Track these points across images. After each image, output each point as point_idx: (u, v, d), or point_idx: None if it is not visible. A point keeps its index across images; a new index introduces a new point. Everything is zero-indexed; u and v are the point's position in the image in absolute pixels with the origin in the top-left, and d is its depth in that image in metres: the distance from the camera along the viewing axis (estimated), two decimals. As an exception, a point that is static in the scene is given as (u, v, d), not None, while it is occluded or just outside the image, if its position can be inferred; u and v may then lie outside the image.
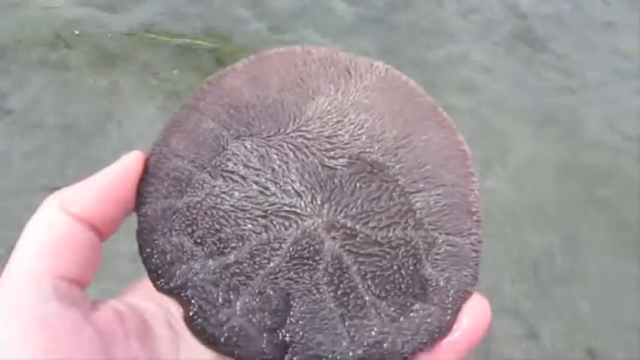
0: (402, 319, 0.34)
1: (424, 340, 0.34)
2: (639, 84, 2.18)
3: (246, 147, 0.35)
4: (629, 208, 1.67)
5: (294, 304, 0.34)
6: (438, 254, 0.35)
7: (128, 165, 0.34)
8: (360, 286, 0.34)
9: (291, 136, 0.35)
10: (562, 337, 1.35)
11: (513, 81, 2.06)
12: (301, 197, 0.35)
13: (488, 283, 1.40)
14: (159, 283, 0.34)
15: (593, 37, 2.36)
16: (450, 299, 0.35)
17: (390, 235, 0.35)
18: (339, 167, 0.35)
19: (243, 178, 0.35)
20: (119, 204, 0.33)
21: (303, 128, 0.35)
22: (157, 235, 0.34)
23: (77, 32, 1.83)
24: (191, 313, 0.33)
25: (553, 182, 1.71)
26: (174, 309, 0.34)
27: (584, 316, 1.40)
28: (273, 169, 0.35)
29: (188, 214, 0.34)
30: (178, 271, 0.34)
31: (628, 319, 1.41)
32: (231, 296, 0.33)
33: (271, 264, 0.34)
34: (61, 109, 1.61)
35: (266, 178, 0.35)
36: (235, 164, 0.35)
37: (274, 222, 0.34)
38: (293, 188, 0.35)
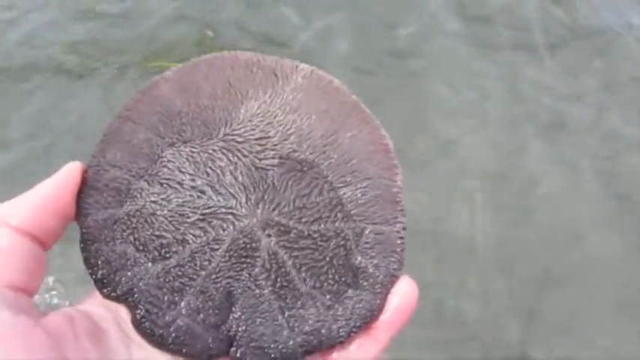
0: (336, 306, 0.37)
1: (358, 324, 0.37)
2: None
3: (180, 154, 0.37)
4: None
5: (236, 300, 0.36)
6: (366, 243, 0.38)
7: (66, 176, 0.35)
8: (296, 279, 0.37)
9: (223, 141, 0.37)
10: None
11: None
12: (236, 198, 0.37)
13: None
14: (105, 291, 0.35)
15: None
16: (379, 284, 0.37)
17: (322, 228, 0.37)
18: (270, 167, 0.37)
19: (180, 184, 0.36)
20: (58, 214, 0.34)
21: (235, 132, 0.37)
22: (100, 244, 0.35)
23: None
24: (138, 317, 0.35)
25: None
26: (125, 314, 0.36)
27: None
28: (208, 174, 0.37)
29: (129, 222, 0.36)
30: (124, 278, 0.35)
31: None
32: (176, 298, 0.35)
33: (211, 264, 0.36)
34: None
35: (201, 183, 0.36)
36: (171, 171, 0.36)
37: (212, 224, 0.36)
38: (228, 190, 0.37)
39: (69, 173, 0.35)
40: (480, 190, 1.27)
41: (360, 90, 0.41)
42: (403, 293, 0.37)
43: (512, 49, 1.54)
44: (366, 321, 0.37)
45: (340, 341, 0.37)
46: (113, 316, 0.36)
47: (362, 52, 1.50)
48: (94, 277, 0.35)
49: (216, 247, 0.36)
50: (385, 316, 0.37)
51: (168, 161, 0.36)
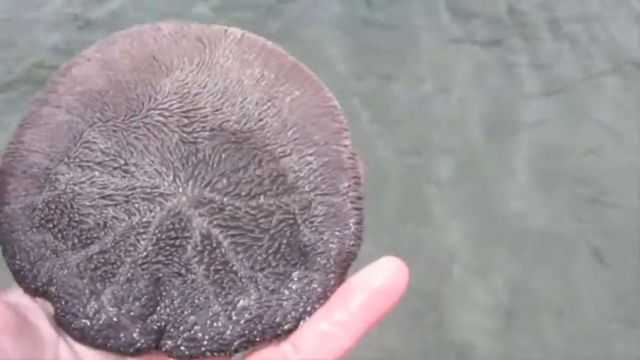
0: (282, 289, 0.33)
1: (307, 309, 0.32)
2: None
3: (102, 134, 0.34)
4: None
5: (165, 288, 0.32)
6: (314, 217, 0.33)
7: None
8: (233, 261, 0.33)
9: (148, 116, 0.34)
10: None
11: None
12: (163, 177, 0.33)
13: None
14: (25, 284, 0.32)
15: None
16: (332, 262, 0.33)
17: (262, 203, 0.33)
18: (201, 141, 0.34)
19: (101, 164, 0.33)
20: None
21: (160, 106, 0.34)
22: (18, 234, 0.33)
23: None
24: (59, 310, 0.32)
25: None
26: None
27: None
28: (132, 153, 0.33)
29: (47, 209, 0.33)
30: (42, 269, 0.32)
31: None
32: (99, 287, 0.32)
33: (138, 250, 0.32)
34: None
35: (125, 162, 0.33)
36: (92, 152, 0.33)
37: (137, 206, 0.33)
38: (154, 169, 0.33)
39: None
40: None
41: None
42: (388, 270, 0.31)
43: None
44: (318, 304, 0.32)
45: (287, 329, 0.32)
46: (44, 308, 0.33)
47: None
48: (12, 268, 0.33)
49: (143, 230, 0.33)
50: (362, 297, 0.31)
51: (89, 142, 0.34)
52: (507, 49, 1.45)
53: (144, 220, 0.33)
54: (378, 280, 0.31)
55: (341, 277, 0.33)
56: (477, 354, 0.98)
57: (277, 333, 0.32)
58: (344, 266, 0.33)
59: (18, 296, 0.32)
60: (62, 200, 0.33)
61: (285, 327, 0.32)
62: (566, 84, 1.37)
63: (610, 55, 1.43)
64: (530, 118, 1.32)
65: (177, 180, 0.33)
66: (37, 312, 0.32)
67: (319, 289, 0.33)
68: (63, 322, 0.32)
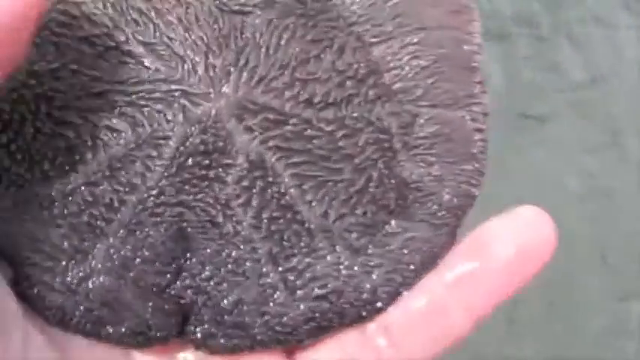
0: (370, 248, 0.21)
1: (407, 279, 0.21)
2: None
3: None
4: None
5: (191, 244, 0.21)
6: (420, 140, 0.22)
7: None
8: (298, 204, 0.21)
9: None
10: None
11: None
12: (188, 65, 0.21)
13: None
14: None
15: None
16: (444, 210, 0.22)
17: (342, 115, 0.21)
18: (249, 9, 0.21)
19: (90, 42, 0.20)
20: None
21: None
22: None
23: None
24: (22, 277, 0.20)
25: None
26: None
27: None
28: (137, 23, 0.21)
29: (3, 102, 0.20)
30: None
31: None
32: (86, 243, 0.20)
33: (147, 183, 0.20)
34: None
35: (126, 37, 0.20)
36: (72, 18, 0.20)
37: (145, 110, 0.20)
38: (173, 51, 0.21)
39: None
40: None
41: None
42: (532, 222, 0.21)
43: None
44: (423, 271, 0.22)
45: (377, 307, 0.21)
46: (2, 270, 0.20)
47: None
48: None
49: (155, 152, 0.20)
50: (493, 261, 0.21)
51: (67, 3, 0.20)
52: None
53: (157, 134, 0.20)
54: (519, 237, 0.21)
55: (454, 232, 0.22)
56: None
57: (362, 314, 0.21)
58: (459, 216, 0.22)
59: None
60: (23, 99, 0.20)
61: (376, 305, 0.21)
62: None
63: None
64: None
65: (212, 71, 0.21)
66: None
67: (424, 249, 0.22)
68: (30, 297, 0.20)
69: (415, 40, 0.22)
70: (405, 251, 0.22)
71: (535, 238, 0.21)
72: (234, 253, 0.21)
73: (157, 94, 0.20)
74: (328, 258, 0.21)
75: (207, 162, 0.20)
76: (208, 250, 0.21)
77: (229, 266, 0.21)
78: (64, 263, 0.20)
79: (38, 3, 0.17)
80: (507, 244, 0.21)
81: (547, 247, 0.20)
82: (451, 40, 0.22)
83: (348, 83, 0.21)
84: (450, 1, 0.22)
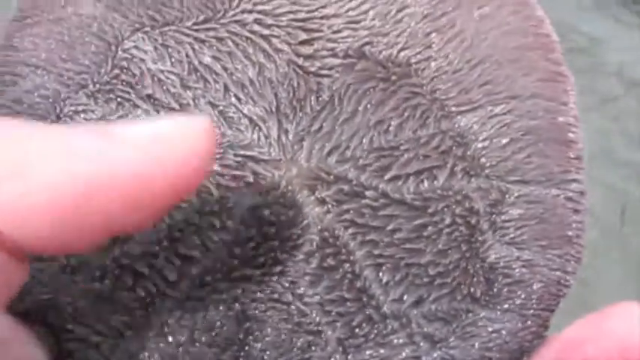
0: (451, 340, 0.19)
1: None
2: None
3: (156, 45, 0.19)
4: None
5: (253, 327, 0.19)
6: (510, 220, 0.20)
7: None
8: (373, 287, 0.19)
9: (239, 22, 0.20)
10: None
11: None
12: (259, 129, 0.19)
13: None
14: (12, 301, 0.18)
15: None
16: (535, 300, 0.19)
17: (424, 189, 0.19)
18: (326, 72, 0.20)
19: (152, 99, 0.19)
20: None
21: (260, 6, 0.20)
22: None
23: None
24: (64, 352, 0.18)
25: None
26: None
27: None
28: (206, 82, 0.19)
29: None
30: (41, 276, 0.18)
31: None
32: (137, 319, 0.18)
33: (208, 257, 0.19)
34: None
35: (194, 97, 0.19)
36: (136, 76, 0.19)
37: (211, 179, 0.19)
38: (243, 114, 0.19)
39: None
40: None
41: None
42: (636, 325, 0.18)
43: None
44: None
45: None
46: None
47: None
48: None
49: (219, 223, 0.19)
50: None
51: (133, 57, 0.19)
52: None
53: (221, 203, 0.19)
54: (620, 339, 0.18)
55: (545, 325, 0.20)
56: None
57: None
58: (551, 307, 0.20)
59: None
60: None
61: None
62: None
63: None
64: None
65: (284, 137, 0.19)
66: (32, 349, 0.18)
67: (511, 343, 0.19)
68: None
69: (505, 110, 0.20)
70: (491, 345, 0.19)
71: (636, 342, 0.18)
72: (301, 339, 0.18)
73: (224, 160, 0.19)
74: (404, 349, 0.19)
75: (274, 236, 0.19)
76: (272, 335, 0.18)
77: (295, 353, 0.18)
78: (111, 340, 0.18)
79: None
80: (606, 348, 0.18)
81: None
82: (544, 111, 0.20)
83: (431, 155, 0.19)
84: (544, 69, 0.20)
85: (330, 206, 0.19)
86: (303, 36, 0.20)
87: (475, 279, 0.19)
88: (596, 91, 0.68)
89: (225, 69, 0.19)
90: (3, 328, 0.16)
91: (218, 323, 0.18)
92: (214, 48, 0.19)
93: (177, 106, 0.19)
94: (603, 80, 0.69)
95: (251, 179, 0.19)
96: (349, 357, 0.19)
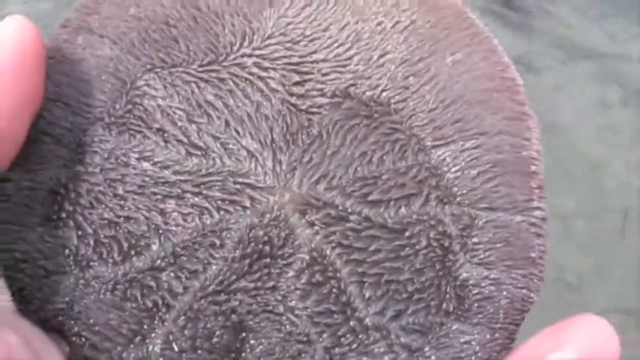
0: (426, 349, 0.21)
1: None
2: None
3: (165, 83, 0.22)
4: None
5: (249, 336, 0.21)
6: (479, 243, 0.22)
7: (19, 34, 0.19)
8: (356, 302, 0.21)
9: (239, 65, 0.22)
10: None
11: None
12: (256, 160, 0.21)
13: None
14: (29, 309, 0.20)
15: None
16: (502, 314, 0.22)
17: (403, 215, 0.22)
18: (316, 110, 0.22)
19: (161, 131, 0.21)
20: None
21: (258, 52, 0.22)
22: (22, 230, 0.21)
23: None
24: (78, 357, 0.20)
25: None
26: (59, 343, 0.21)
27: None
28: (209, 117, 0.22)
29: (72, 194, 0.21)
30: (59, 290, 0.20)
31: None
32: (145, 327, 0.20)
33: (210, 271, 0.21)
34: None
35: (198, 131, 0.22)
36: (148, 110, 0.22)
37: (212, 202, 0.21)
38: (242, 146, 0.22)
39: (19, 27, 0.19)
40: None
41: None
42: (596, 333, 0.20)
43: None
44: None
45: None
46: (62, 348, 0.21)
47: None
48: (11, 283, 0.21)
49: (218, 242, 0.21)
50: None
51: (145, 94, 0.22)
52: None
53: (221, 225, 0.21)
54: (580, 350, 0.20)
55: (511, 337, 0.22)
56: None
57: None
58: (517, 320, 0.22)
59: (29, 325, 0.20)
60: (96, 182, 0.21)
61: None
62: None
63: None
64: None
65: (278, 167, 0.21)
66: (54, 353, 0.20)
67: (481, 353, 0.21)
68: None
69: (475, 145, 0.22)
70: (462, 354, 0.21)
71: (597, 353, 0.20)
72: (292, 348, 0.21)
73: (224, 186, 0.21)
74: (385, 357, 0.21)
75: (268, 254, 0.21)
76: (265, 343, 0.21)
77: None
78: (121, 347, 0.20)
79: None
80: (567, 356, 0.20)
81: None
82: (510, 146, 0.22)
83: (409, 184, 0.22)
84: (510, 108, 0.23)
85: (318, 229, 0.21)
86: (296, 78, 0.22)
87: (448, 295, 0.21)
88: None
89: (226, 106, 0.22)
90: (33, 336, 0.18)
91: (217, 332, 0.20)
92: (217, 87, 0.22)
93: (183, 138, 0.21)
94: None
95: (248, 204, 0.21)
96: None
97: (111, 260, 0.21)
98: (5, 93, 0.19)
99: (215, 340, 0.20)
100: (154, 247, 0.21)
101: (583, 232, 0.77)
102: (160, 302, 0.20)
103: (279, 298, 0.21)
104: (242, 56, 0.22)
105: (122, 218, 0.21)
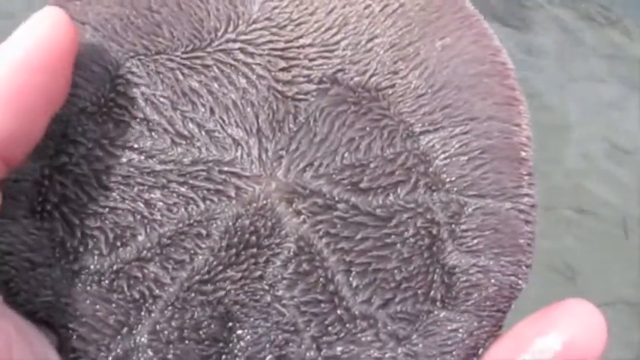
0: (413, 337, 0.21)
1: None
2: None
3: (149, 71, 0.21)
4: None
5: (236, 326, 0.21)
6: (467, 230, 0.22)
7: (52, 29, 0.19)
8: (344, 291, 0.21)
9: (224, 51, 0.22)
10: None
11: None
12: (242, 148, 0.21)
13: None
14: (17, 302, 0.20)
15: None
16: (489, 301, 0.22)
17: (390, 202, 0.21)
18: (303, 97, 0.22)
19: (146, 120, 0.21)
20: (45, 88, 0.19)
21: (242, 37, 0.22)
22: (7, 222, 0.21)
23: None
24: (67, 349, 0.20)
25: None
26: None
27: None
28: (194, 105, 0.21)
29: (57, 186, 0.21)
30: (45, 283, 0.20)
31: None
32: (131, 317, 0.20)
33: (196, 262, 0.21)
34: None
35: (183, 120, 0.21)
36: (131, 100, 0.21)
37: (198, 192, 0.21)
38: (227, 134, 0.21)
39: (56, 24, 0.19)
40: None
41: None
42: (582, 319, 0.20)
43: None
44: None
45: None
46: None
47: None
48: None
49: (205, 231, 0.21)
50: (551, 351, 0.20)
51: (128, 83, 0.21)
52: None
53: (207, 214, 0.21)
54: (566, 333, 0.20)
55: (498, 324, 0.22)
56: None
57: None
58: (504, 308, 0.22)
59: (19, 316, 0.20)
60: (80, 172, 0.21)
61: None
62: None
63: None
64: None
65: (264, 155, 0.21)
66: (45, 343, 0.20)
67: (468, 340, 0.21)
68: None
69: (464, 131, 0.22)
70: (449, 342, 0.21)
71: (584, 336, 0.20)
72: (279, 337, 0.21)
73: (210, 175, 0.21)
74: (372, 346, 0.21)
75: (255, 243, 0.21)
76: (252, 333, 0.21)
77: (273, 349, 0.21)
78: (109, 337, 0.20)
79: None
80: (553, 341, 0.20)
81: (596, 346, 0.20)
82: (500, 132, 0.22)
83: (397, 171, 0.22)
84: (500, 93, 0.22)
85: (305, 217, 0.21)
86: (282, 64, 0.22)
87: (436, 283, 0.21)
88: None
89: (211, 93, 0.21)
90: (27, 328, 0.18)
91: (205, 322, 0.20)
92: (202, 74, 0.21)
93: (168, 127, 0.21)
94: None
95: (233, 193, 0.21)
96: (322, 353, 0.21)
97: (97, 251, 0.20)
98: (35, 92, 0.18)
99: (202, 330, 0.20)
100: (140, 238, 0.20)
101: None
102: (147, 293, 0.20)
103: (266, 287, 0.21)
104: (227, 42, 0.22)
105: (107, 209, 0.21)
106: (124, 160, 0.21)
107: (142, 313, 0.20)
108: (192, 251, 0.21)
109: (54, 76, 0.19)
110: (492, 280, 0.22)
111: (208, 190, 0.21)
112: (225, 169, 0.21)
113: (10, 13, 1.02)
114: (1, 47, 0.18)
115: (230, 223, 0.21)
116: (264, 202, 0.21)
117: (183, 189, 0.21)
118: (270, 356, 0.21)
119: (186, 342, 0.20)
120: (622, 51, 1.21)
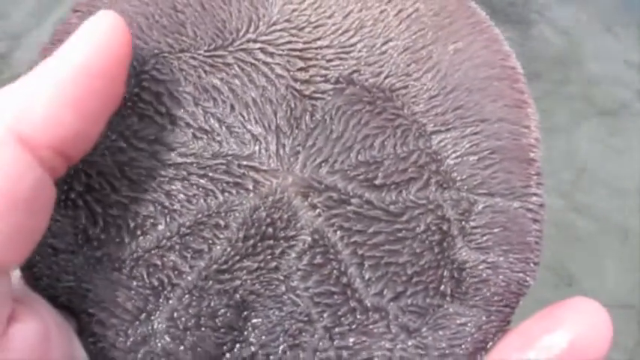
0: (423, 330, 0.22)
1: None
2: None
3: (172, 68, 0.22)
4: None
5: (251, 315, 0.21)
6: (477, 227, 0.22)
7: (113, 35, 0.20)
8: (356, 283, 0.22)
9: (245, 50, 0.22)
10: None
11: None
12: (260, 143, 0.22)
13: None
14: (39, 287, 0.21)
15: None
16: (498, 297, 0.22)
17: (403, 199, 0.22)
18: (319, 95, 0.23)
19: (169, 115, 0.22)
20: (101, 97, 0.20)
21: (263, 37, 0.23)
22: None
23: None
24: (87, 333, 0.21)
25: None
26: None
27: None
28: (215, 101, 0.22)
29: (82, 174, 0.21)
30: (67, 268, 0.21)
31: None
32: (150, 304, 0.21)
33: (214, 252, 0.21)
34: None
35: (204, 115, 0.22)
36: (155, 95, 0.22)
37: (217, 184, 0.22)
38: (246, 129, 0.22)
39: (112, 29, 0.20)
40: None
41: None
42: (588, 317, 0.21)
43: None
44: (474, 358, 0.22)
45: None
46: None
47: None
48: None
49: (223, 223, 0.21)
50: (558, 349, 0.20)
51: (153, 79, 0.22)
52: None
53: (226, 206, 0.21)
54: (573, 331, 0.20)
55: (506, 319, 0.22)
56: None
57: None
58: (513, 304, 0.22)
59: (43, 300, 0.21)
60: (104, 163, 0.21)
61: None
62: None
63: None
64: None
65: (282, 150, 0.22)
66: (65, 327, 0.21)
67: (477, 335, 0.22)
68: (92, 351, 0.21)
69: (475, 132, 0.23)
70: (458, 335, 0.22)
71: (590, 334, 0.20)
72: (293, 327, 0.21)
73: (229, 169, 0.22)
74: (383, 337, 0.21)
75: (271, 235, 0.21)
76: (267, 322, 0.21)
77: (287, 339, 0.21)
78: (127, 323, 0.21)
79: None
80: (559, 338, 0.21)
81: (601, 345, 0.20)
82: (509, 133, 0.23)
83: (410, 169, 0.22)
84: (510, 96, 0.23)
85: (320, 211, 0.22)
86: (300, 64, 0.23)
87: (446, 278, 0.22)
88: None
89: (231, 90, 0.22)
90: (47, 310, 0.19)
91: (221, 311, 0.21)
92: (223, 72, 0.22)
93: (190, 121, 0.22)
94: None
95: (251, 186, 0.22)
96: (335, 343, 0.21)
97: (118, 239, 0.21)
98: (95, 97, 0.19)
99: (218, 318, 0.21)
100: (160, 227, 0.21)
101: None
102: (166, 281, 0.21)
103: (282, 278, 0.21)
104: (248, 42, 0.22)
105: (129, 199, 0.21)
106: (147, 152, 0.22)
107: (161, 300, 0.21)
108: (210, 241, 0.21)
109: (112, 82, 0.19)
110: (501, 277, 0.22)
111: (227, 182, 0.22)
112: (244, 163, 0.22)
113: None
114: (60, 51, 0.19)
115: (247, 215, 0.21)
116: (281, 195, 0.22)
117: (202, 181, 0.22)
118: (283, 345, 0.21)
119: (203, 329, 0.21)
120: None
